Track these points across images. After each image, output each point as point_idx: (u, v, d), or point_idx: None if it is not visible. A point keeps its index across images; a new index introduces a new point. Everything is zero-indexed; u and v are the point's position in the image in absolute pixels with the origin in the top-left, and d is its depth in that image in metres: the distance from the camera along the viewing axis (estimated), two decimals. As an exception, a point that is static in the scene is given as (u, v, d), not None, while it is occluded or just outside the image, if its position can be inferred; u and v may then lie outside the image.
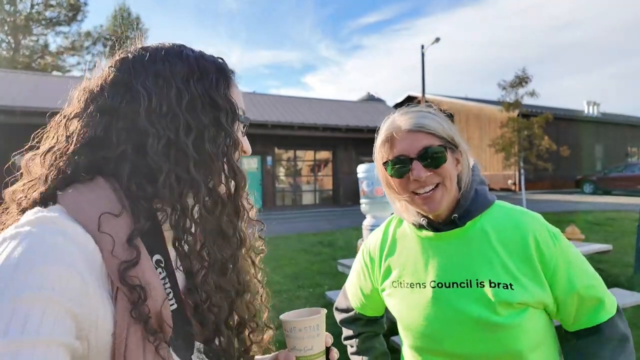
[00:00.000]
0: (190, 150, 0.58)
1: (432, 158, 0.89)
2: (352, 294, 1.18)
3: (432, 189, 0.90)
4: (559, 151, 12.41)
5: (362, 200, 3.68)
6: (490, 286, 0.86)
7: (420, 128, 0.89)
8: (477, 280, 0.88)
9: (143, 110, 0.57)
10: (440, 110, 0.96)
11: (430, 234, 0.96)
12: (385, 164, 0.95)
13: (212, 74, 0.64)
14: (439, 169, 0.89)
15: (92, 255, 0.50)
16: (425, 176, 0.88)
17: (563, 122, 20.73)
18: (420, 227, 0.97)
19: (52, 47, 28.43)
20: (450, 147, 0.92)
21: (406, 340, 1.00)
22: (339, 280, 5.41)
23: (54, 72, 26.13)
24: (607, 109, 28.24)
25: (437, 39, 18.38)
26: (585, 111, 24.66)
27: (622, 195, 16.58)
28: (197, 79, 0.62)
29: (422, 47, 18.84)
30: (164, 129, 0.57)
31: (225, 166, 0.62)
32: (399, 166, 0.91)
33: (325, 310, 0.77)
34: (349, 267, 4.00)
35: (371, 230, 3.59)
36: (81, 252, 0.49)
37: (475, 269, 0.89)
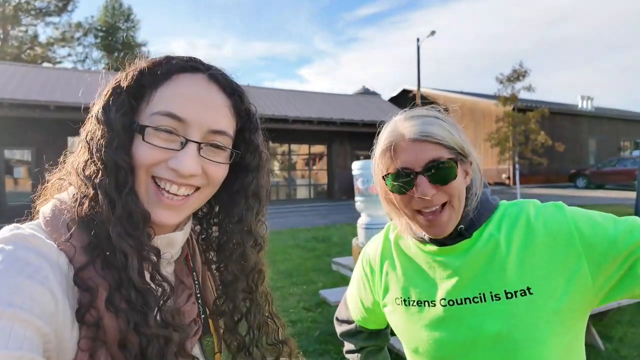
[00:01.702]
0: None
1: (440, 173, 0.77)
2: (352, 305, 1.09)
3: (439, 209, 0.79)
4: (554, 146, 12.43)
5: (357, 198, 3.60)
6: (507, 297, 0.77)
7: (427, 137, 0.77)
8: (491, 292, 0.79)
9: None
10: (446, 110, 0.86)
11: (434, 248, 0.86)
12: (385, 177, 0.82)
13: (117, 88, 0.60)
14: (447, 186, 0.78)
15: (65, 275, 0.49)
16: (432, 194, 0.77)
17: (557, 116, 20.79)
18: (423, 241, 0.88)
19: (42, 38, 28.10)
20: (460, 159, 0.80)
21: None
22: (333, 277, 5.36)
23: (44, 64, 25.71)
24: (601, 103, 28.42)
25: (433, 32, 18.30)
26: (579, 105, 24.75)
27: (615, 189, 16.72)
28: (100, 99, 0.61)
29: (418, 40, 18.74)
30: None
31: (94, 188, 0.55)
32: (402, 181, 0.79)
33: None
34: (343, 266, 3.97)
35: (366, 229, 3.52)
36: (54, 270, 0.48)
37: (488, 280, 0.80)
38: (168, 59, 0.61)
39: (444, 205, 0.79)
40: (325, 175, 17.85)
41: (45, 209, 0.56)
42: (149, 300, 0.53)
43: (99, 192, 0.53)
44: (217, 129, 0.60)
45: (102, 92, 0.61)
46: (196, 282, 0.71)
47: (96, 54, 30.92)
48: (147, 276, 0.55)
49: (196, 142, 0.58)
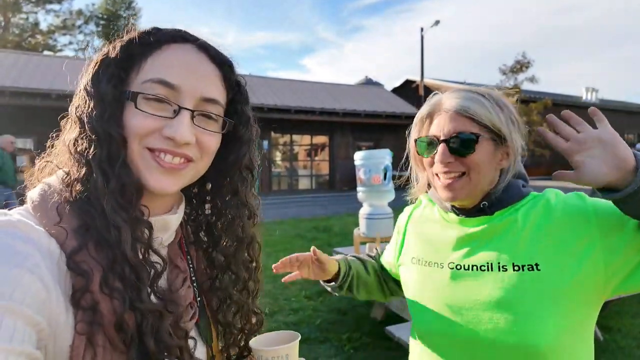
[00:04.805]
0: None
1: (460, 145, 0.83)
2: (384, 254, 1.20)
3: (456, 177, 0.85)
4: (557, 138, 12.37)
5: (359, 189, 3.59)
6: (514, 270, 0.80)
7: (462, 111, 0.83)
8: (499, 263, 0.82)
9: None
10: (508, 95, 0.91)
11: (456, 218, 0.92)
12: (416, 140, 0.92)
13: (107, 59, 0.58)
14: (465, 158, 0.84)
15: (56, 262, 0.48)
16: (448, 162, 0.84)
17: (561, 108, 20.49)
18: (446, 210, 0.94)
19: (43, 26, 27.82)
20: (493, 138, 0.85)
21: (416, 321, 0.95)
22: (335, 266, 5.38)
23: (45, 52, 25.58)
24: (606, 95, 28.14)
25: (437, 22, 18.11)
26: (584, 97, 24.55)
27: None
28: (88, 71, 0.59)
29: (422, 29, 18.55)
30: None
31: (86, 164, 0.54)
32: (428, 145, 0.88)
33: (299, 337, 0.72)
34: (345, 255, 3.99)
35: (367, 219, 3.52)
36: (44, 257, 0.47)
37: (498, 252, 0.83)
38: (157, 29, 0.60)
39: (463, 174, 0.85)
40: (326, 166, 17.82)
41: (32, 194, 0.55)
42: (142, 276, 0.53)
43: (92, 165, 0.52)
44: (209, 97, 0.60)
45: (88, 65, 0.59)
46: (191, 266, 0.71)
47: (98, 42, 30.85)
48: (140, 252, 0.54)
49: (189, 109, 0.57)
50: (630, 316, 3.67)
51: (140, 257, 0.54)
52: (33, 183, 0.59)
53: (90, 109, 0.55)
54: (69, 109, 0.59)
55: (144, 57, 0.58)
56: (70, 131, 0.57)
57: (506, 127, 0.85)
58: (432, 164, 0.89)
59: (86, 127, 0.54)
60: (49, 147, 0.61)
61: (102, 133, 0.53)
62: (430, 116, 0.90)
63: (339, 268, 1.09)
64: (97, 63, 0.58)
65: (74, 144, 0.55)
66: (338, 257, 1.13)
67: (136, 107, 0.55)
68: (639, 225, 0.73)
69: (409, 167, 1.02)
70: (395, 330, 3.01)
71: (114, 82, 0.56)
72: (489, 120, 0.83)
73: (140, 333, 0.52)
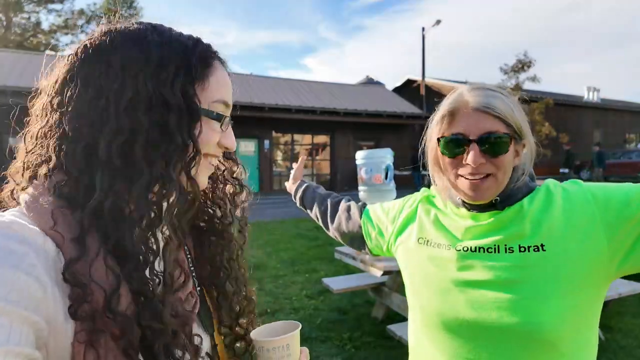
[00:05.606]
0: (111, 156, 0.52)
1: (492, 145, 0.82)
2: (380, 207, 1.16)
3: (483, 177, 0.84)
4: (558, 137, 12.37)
5: (360, 188, 3.59)
6: (520, 251, 0.82)
7: (488, 109, 0.82)
8: (505, 245, 0.84)
9: (70, 109, 0.54)
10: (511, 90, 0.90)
11: (467, 213, 0.92)
12: (439, 139, 0.88)
13: (172, 66, 0.56)
14: (496, 159, 0.82)
15: (52, 260, 0.48)
16: (480, 163, 0.82)
17: (562, 107, 20.61)
18: (457, 205, 0.94)
19: (45, 26, 27.88)
20: (514, 137, 0.84)
21: (418, 300, 0.96)
22: (335, 266, 5.40)
23: (47, 51, 25.62)
24: (608, 95, 28.09)
25: (438, 22, 18.08)
26: (585, 97, 24.51)
27: (619, 182, 16.63)
28: (149, 72, 0.55)
29: (423, 29, 18.53)
30: (84, 132, 0.53)
31: (162, 174, 0.55)
32: (454, 145, 0.85)
33: (299, 327, 0.72)
34: (346, 255, 3.97)
35: (369, 218, 3.52)
36: (40, 257, 0.47)
37: (505, 235, 0.85)
38: (209, 46, 0.65)
39: (488, 175, 0.84)
40: (328, 166, 17.83)
41: (24, 196, 0.54)
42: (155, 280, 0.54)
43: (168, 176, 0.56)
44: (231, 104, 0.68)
45: (156, 69, 0.55)
46: (188, 256, 0.71)
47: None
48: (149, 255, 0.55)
49: (232, 120, 0.67)
50: (631, 316, 3.67)
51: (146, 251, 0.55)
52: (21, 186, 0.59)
53: (165, 119, 0.55)
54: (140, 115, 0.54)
55: (206, 75, 0.61)
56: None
57: (525, 123, 0.86)
58: (456, 166, 0.86)
59: (162, 135, 0.55)
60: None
61: (182, 143, 0.56)
62: (452, 114, 0.85)
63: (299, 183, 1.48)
64: (171, 70, 0.56)
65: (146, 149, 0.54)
66: (306, 183, 1.49)
67: (203, 123, 0.60)
68: (632, 195, 0.78)
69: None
70: (396, 329, 3.01)
71: (188, 93, 0.58)
72: (511, 118, 0.83)
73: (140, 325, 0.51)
